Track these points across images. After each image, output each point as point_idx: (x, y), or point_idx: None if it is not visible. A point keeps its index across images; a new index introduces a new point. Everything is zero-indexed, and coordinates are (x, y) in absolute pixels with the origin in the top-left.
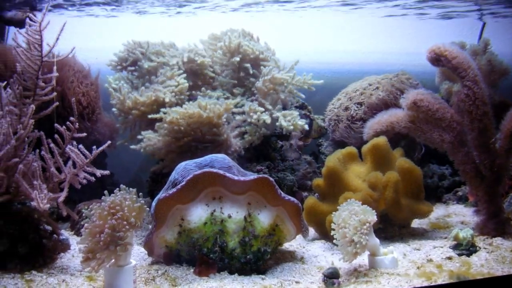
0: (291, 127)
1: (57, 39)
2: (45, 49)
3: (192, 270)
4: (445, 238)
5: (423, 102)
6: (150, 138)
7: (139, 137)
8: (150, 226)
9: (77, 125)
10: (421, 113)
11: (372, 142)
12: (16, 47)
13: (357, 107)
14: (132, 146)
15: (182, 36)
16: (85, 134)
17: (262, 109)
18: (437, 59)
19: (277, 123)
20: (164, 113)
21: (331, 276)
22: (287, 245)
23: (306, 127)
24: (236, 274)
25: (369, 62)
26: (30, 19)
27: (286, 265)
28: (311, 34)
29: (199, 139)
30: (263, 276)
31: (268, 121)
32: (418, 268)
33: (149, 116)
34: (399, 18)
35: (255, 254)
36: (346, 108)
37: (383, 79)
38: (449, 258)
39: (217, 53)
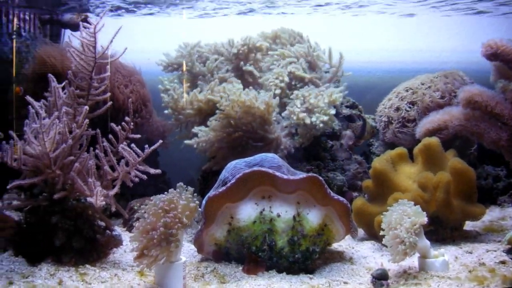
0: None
1: (111, 41)
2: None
3: (240, 268)
4: (499, 241)
5: (480, 98)
6: (203, 132)
7: (194, 130)
8: (200, 224)
9: (131, 125)
10: (477, 109)
11: (424, 142)
12: (71, 48)
13: (409, 107)
14: (187, 142)
15: (232, 36)
16: (139, 135)
17: (300, 110)
18: (493, 54)
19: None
20: (218, 108)
21: (380, 277)
22: (336, 245)
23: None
24: (284, 273)
25: (421, 61)
26: (86, 22)
27: (334, 265)
28: (362, 32)
29: (250, 134)
30: (311, 276)
31: (307, 121)
32: (469, 272)
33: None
34: (451, 15)
35: (303, 254)
36: (398, 109)
37: (435, 77)
38: (503, 262)
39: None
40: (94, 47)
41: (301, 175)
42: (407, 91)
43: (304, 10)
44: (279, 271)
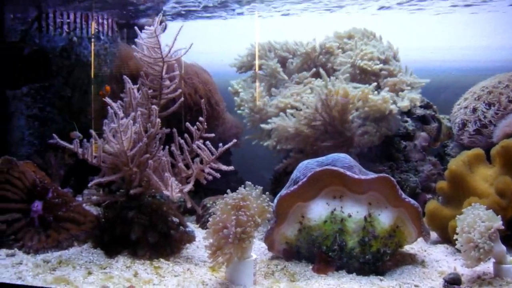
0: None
1: (174, 40)
2: (166, 51)
3: (310, 267)
4: None
5: None
6: (285, 119)
7: (271, 121)
8: (271, 222)
9: (205, 125)
10: None
11: (502, 144)
12: (139, 51)
13: (486, 108)
14: (263, 125)
15: (306, 36)
16: (213, 135)
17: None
18: None
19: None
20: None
21: (453, 281)
22: (408, 248)
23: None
24: (354, 274)
25: (500, 59)
26: (147, 26)
27: (405, 268)
28: (436, 30)
29: (328, 128)
30: (381, 277)
31: (392, 108)
32: None
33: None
34: None
35: (374, 255)
36: (474, 109)
37: None
38: None
39: (340, 57)
40: (159, 48)
41: (373, 175)
42: (483, 90)
43: (370, 10)
44: (349, 272)
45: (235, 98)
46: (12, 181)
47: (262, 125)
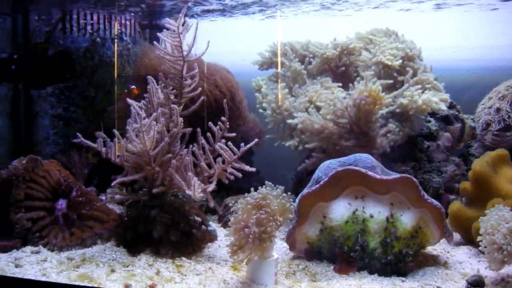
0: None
1: (194, 38)
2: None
3: (332, 267)
4: None
5: None
6: (312, 114)
7: (297, 115)
8: (292, 222)
9: (228, 124)
10: None
11: None
12: (160, 50)
13: (510, 108)
14: (289, 121)
15: (325, 37)
16: (234, 134)
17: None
18: None
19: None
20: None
21: (476, 284)
22: (430, 249)
23: (443, 106)
24: (376, 275)
25: None
26: (169, 24)
27: (428, 269)
28: (459, 29)
29: (354, 128)
30: (403, 278)
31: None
32: None
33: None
34: None
35: (396, 256)
36: (498, 109)
37: None
38: None
39: (363, 53)
40: (181, 47)
41: (395, 175)
42: (507, 90)
43: (395, 8)
44: (371, 272)
45: (257, 94)
46: (37, 179)
47: (289, 121)
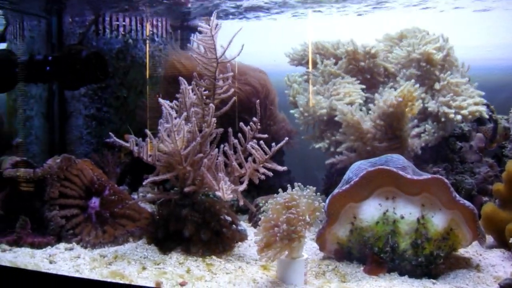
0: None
1: (230, 41)
2: (220, 52)
3: (362, 268)
4: None
5: None
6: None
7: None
8: (322, 222)
9: (259, 125)
10: None
11: None
12: (194, 52)
13: None
14: (318, 145)
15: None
16: (266, 135)
17: (451, 110)
18: None
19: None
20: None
21: (508, 287)
22: (462, 251)
23: (485, 114)
24: (406, 276)
25: None
26: (202, 26)
27: (459, 272)
28: (494, 28)
29: (388, 131)
30: (434, 281)
31: (458, 117)
32: None
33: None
34: None
35: (427, 257)
36: None
37: None
38: None
39: (394, 53)
40: (214, 49)
41: (426, 176)
42: None
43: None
44: (401, 274)
45: (287, 91)
46: (71, 178)
47: (317, 146)
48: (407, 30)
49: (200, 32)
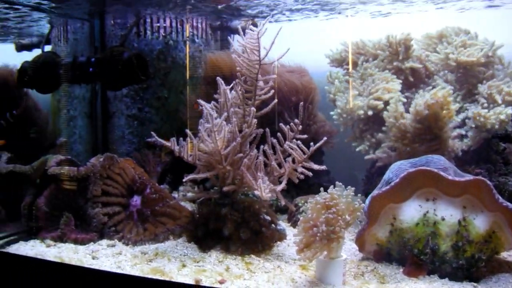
0: None
1: (272, 43)
2: (262, 53)
3: (401, 270)
4: None
5: None
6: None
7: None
8: (362, 223)
9: (300, 127)
10: None
11: None
12: (237, 53)
13: None
14: (358, 148)
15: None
16: (306, 136)
17: (490, 113)
18: None
19: None
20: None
21: None
22: (505, 255)
23: None
24: (447, 279)
25: None
26: (250, 28)
27: (502, 276)
28: None
29: (427, 132)
30: (475, 284)
31: (496, 126)
32: None
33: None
34: None
35: (468, 260)
36: None
37: None
38: None
39: (432, 54)
40: (258, 51)
41: (468, 177)
42: None
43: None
44: (441, 276)
45: (327, 87)
46: (113, 176)
47: (358, 148)
48: (447, 29)
49: (245, 33)
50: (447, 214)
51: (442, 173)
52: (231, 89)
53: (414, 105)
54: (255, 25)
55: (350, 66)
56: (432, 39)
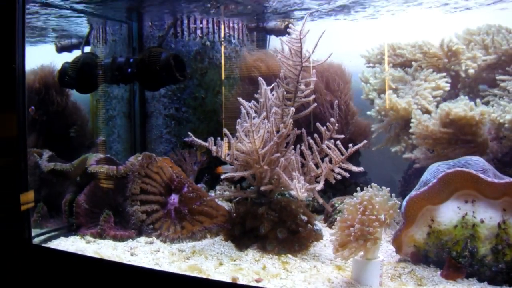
0: None
1: (315, 46)
2: (304, 55)
3: (439, 272)
4: None
5: None
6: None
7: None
8: (399, 224)
9: (336, 126)
10: None
11: None
12: (279, 54)
13: None
14: (394, 149)
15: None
16: (342, 136)
17: None
18: None
19: None
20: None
21: None
22: None
23: None
24: (486, 283)
25: None
26: (288, 28)
27: None
28: None
29: (460, 135)
30: None
31: None
32: None
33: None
34: None
35: (508, 264)
36: None
37: None
38: None
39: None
40: (301, 53)
41: (508, 179)
42: None
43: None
44: (480, 280)
45: (363, 84)
46: (151, 175)
47: (393, 149)
48: (488, 26)
49: (289, 34)
50: (487, 216)
51: (481, 175)
52: (271, 90)
53: (439, 111)
54: (288, 26)
55: (386, 67)
56: (472, 35)
